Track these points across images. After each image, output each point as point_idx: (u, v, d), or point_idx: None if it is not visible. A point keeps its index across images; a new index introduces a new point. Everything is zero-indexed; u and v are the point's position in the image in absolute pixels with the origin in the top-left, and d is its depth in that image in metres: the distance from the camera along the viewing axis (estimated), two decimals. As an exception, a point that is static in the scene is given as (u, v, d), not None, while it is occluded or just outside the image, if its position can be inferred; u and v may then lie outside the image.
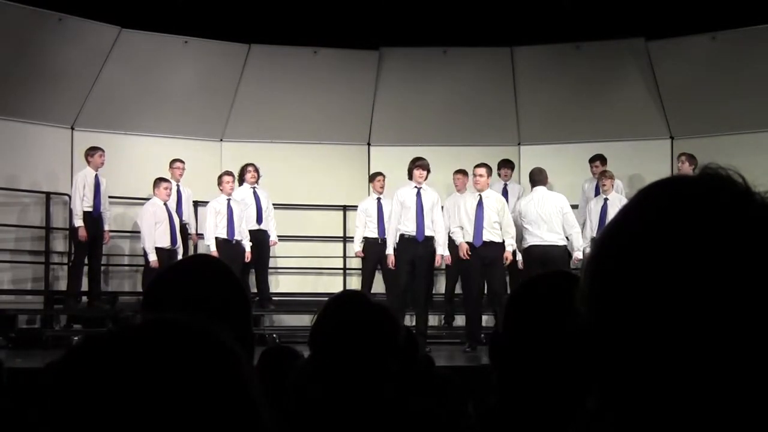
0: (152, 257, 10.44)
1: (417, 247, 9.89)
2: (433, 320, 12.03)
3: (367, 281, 11.22)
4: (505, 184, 11.80)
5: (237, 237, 10.85)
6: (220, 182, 10.97)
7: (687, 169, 10.47)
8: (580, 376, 1.53)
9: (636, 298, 0.78)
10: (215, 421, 0.82)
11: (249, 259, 10.91)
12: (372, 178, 11.57)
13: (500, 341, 1.73)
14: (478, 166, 10.12)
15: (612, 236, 0.83)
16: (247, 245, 10.93)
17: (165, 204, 10.74)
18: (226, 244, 10.73)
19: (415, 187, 10.09)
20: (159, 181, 10.81)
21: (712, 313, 0.76)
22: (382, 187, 11.36)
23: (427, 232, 9.92)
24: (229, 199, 10.91)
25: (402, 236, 9.97)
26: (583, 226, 11.12)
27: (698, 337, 0.76)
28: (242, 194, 11.26)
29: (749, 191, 0.81)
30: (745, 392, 0.76)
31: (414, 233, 9.91)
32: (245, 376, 0.86)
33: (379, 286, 11.28)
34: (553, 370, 1.63)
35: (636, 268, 0.79)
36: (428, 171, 10.23)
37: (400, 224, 9.98)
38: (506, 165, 11.88)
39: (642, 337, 0.78)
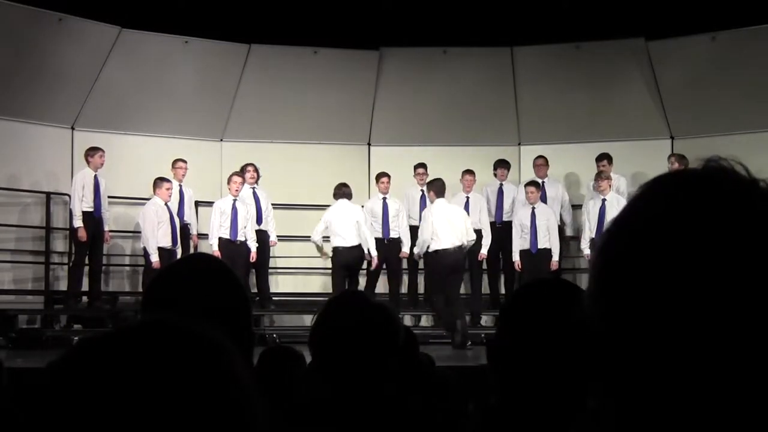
0: (154, 258, 10.44)
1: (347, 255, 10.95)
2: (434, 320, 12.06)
3: (372, 281, 11.25)
4: (501, 184, 11.79)
5: (240, 237, 10.87)
6: (228, 182, 11.01)
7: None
8: (576, 377, 1.57)
9: (644, 294, 0.78)
10: (209, 421, 0.82)
11: (254, 260, 10.95)
12: (377, 178, 11.58)
13: (497, 346, 1.76)
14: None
15: (618, 232, 0.82)
16: (253, 246, 10.96)
17: (166, 204, 10.74)
18: (229, 244, 10.75)
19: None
20: (160, 181, 10.80)
21: (722, 308, 0.75)
22: (387, 188, 11.38)
23: (356, 242, 10.85)
24: (235, 200, 10.93)
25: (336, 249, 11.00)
26: (582, 226, 11.23)
27: (708, 334, 0.75)
28: (242, 194, 11.26)
29: (754, 181, 0.81)
30: (755, 389, 0.75)
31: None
32: (239, 376, 0.86)
33: (382, 286, 11.31)
34: (548, 373, 1.65)
35: (643, 264, 0.78)
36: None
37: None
38: (502, 165, 11.87)
39: (651, 334, 0.77)
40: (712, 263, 0.76)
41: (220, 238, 10.80)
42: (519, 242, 11.06)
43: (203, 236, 11.36)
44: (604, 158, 11.45)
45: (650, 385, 0.78)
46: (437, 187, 10.54)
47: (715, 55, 11.90)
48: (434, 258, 10.35)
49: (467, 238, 10.46)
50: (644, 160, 11.65)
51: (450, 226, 10.35)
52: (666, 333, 0.76)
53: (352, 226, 10.88)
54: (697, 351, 0.76)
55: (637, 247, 0.79)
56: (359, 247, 10.93)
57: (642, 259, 0.78)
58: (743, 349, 0.75)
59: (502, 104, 12.78)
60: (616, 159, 11.52)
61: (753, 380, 0.75)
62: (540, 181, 11.50)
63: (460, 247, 10.37)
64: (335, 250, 10.94)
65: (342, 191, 11.13)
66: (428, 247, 10.37)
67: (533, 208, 11.05)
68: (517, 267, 11.08)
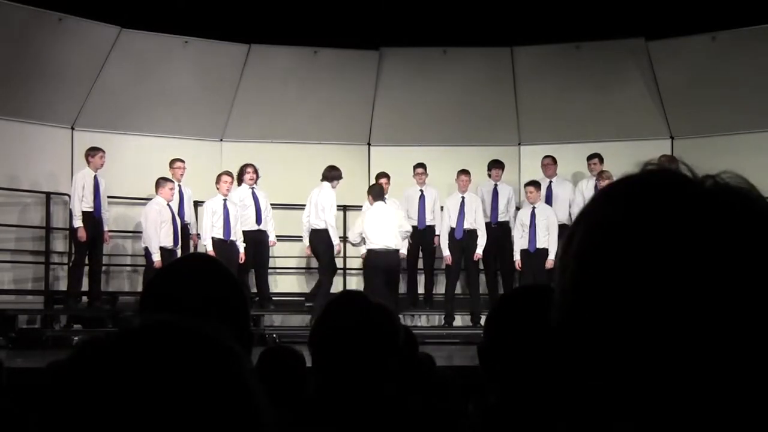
0: (156, 257, 10.43)
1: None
2: (434, 320, 12.07)
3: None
4: (496, 185, 11.79)
5: (233, 237, 10.87)
6: (218, 181, 11.00)
7: None
8: (565, 378, 1.61)
9: (614, 290, 0.79)
10: (218, 423, 0.82)
11: (243, 260, 10.93)
12: (377, 178, 11.59)
13: (486, 349, 1.81)
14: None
15: (582, 235, 0.84)
16: (241, 246, 10.95)
17: (168, 204, 10.75)
18: (222, 244, 10.75)
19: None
20: (163, 180, 10.81)
21: (679, 296, 0.76)
22: (387, 188, 11.37)
23: (321, 225, 11.11)
24: (225, 200, 10.92)
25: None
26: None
27: (676, 325, 0.76)
28: (241, 195, 11.27)
29: (694, 180, 0.83)
30: (717, 383, 0.76)
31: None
32: (247, 378, 0.87)
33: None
34: (536, 375, 1.71)
35: (608, 262, 0.80)
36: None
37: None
38: (497, 165, 11.86)
39: (614, 332, 0.78)
40: (661, 259, 0.77)
41: (213, 238, 10.80)
42: (519, 242, 11.13)
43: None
44: (594, 157, 11.53)
45: (621, 382, 0.78)
46: (375, 192, 10.99)
47: (715, 55, 11.90)
48: (369, 256, 10.72)
49: (402, 235, 10.85)
50: (644, 160, 11.60)
51: (380, 228, 10.66)
52: (631, 323, 0.77)
53: (320, 210, 11.13)
54: (669, 343, 0.76)
55: (599, 248, 0.81)
56: (324, 231, 11.12)
57: (605, 258, 0.80)
58: (718, 340, 0.76)
59: (502, 104, 12.79)
60: (616, 159, 11.52)
61: (722, 372, 0.76)
62: (548, 180, 11.58)
63: (395, 251, 10.70)
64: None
65: (324, 174, 11.33)
66: (364, 244, 10.78)
67: (533, 208, 11.12)
68: (517, 266, 11.14)
